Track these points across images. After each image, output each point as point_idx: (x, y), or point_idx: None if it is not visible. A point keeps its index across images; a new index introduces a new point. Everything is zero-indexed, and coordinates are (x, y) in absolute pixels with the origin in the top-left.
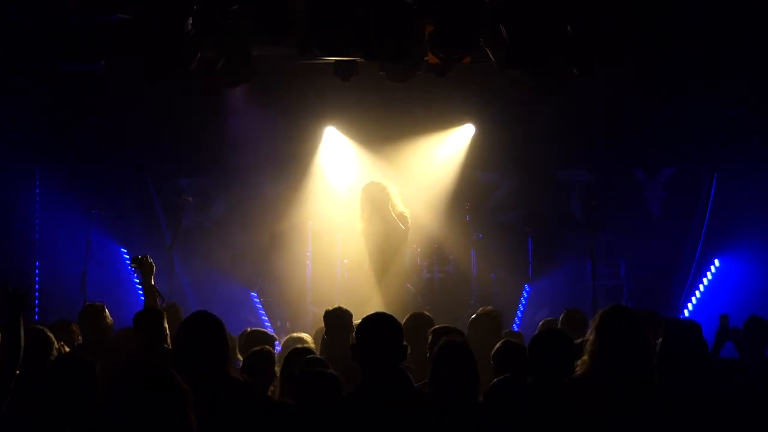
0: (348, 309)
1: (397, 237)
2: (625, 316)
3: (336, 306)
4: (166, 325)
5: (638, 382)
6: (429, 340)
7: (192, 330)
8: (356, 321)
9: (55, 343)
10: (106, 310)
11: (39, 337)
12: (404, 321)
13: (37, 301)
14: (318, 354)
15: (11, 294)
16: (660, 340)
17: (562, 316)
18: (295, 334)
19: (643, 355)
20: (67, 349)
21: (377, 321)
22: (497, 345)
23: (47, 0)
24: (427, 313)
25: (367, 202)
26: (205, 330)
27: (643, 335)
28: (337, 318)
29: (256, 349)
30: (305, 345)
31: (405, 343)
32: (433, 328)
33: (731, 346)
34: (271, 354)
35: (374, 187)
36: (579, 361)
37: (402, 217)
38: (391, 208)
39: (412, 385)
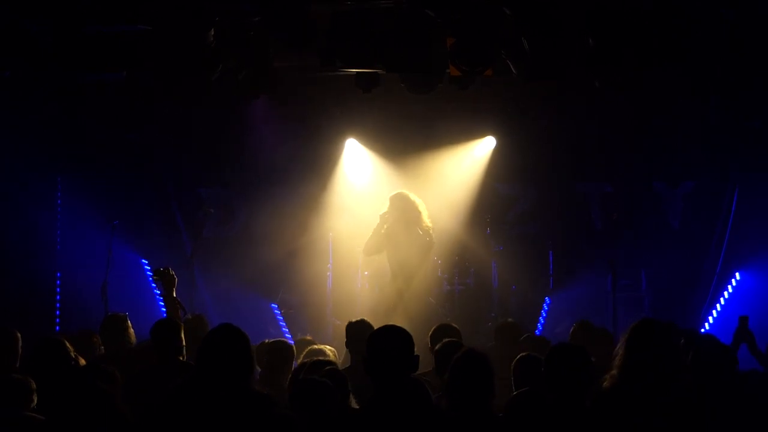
0: (370, 322)
1: (422, 249)
2: (656, 330)
3: (359, 318)
4: (183, 337)
5: (666, 395)
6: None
7: (216, 343)
8: None
9: (72, 353)
10: (128, 321)
11: (56, 347)
12: (431, 332)
13: (57, 312)
14: (339, 367)
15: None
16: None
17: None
18: (316, 346)
19: (674, 369)
20: (83, 361)
21: (386, 332)
22: (517, 357)
23: (69, 11)
24: (454, 325)
25: (393, 210)
26: (230, 343)
27: (675, 349)
28: (359, 330)
29: (307, 360)
30: (322, 358)
31: (417, 353)
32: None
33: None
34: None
35: (401, 197)
36: (606, 376)
37: (427, 235)
38: (417, 221)
39: (427, 398)
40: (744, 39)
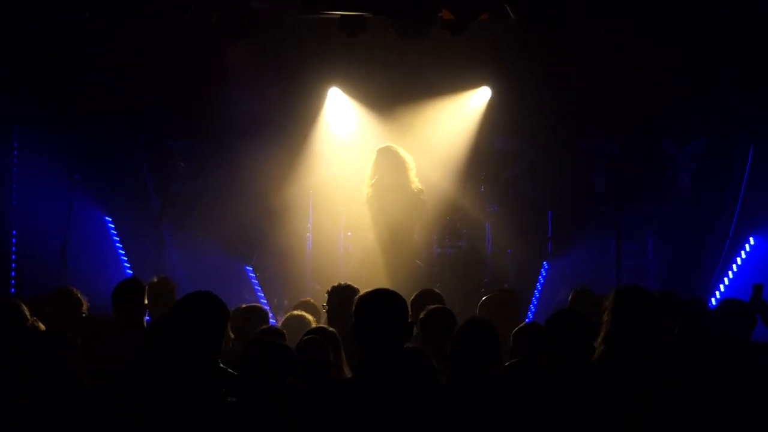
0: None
1: (411, 209)
2: (642, 298)
3: (344, 283)
4: (146, 301)
5: (654, 367)
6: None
7: (190, 313)
8: None
9: (29, 317)
10: (77, 294)
11: (10, 311)
12: (411, 299)
13: (13, 273)
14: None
15: None
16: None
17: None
18: (296, 312)
19: (657, 339)
20: (42, 326)
21: (376, 296)
22: (519, 325)
23: None
24: (437, 291)
25: (379, 167)
26: (206, 316)
27: (659, 319)
28: (345, 296)
29: (265, 326)
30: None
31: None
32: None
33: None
34: (278, 331)
35: (390, 152)
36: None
37: (418, 194)
38: (406, 178)
39: (425, 369)
40: None
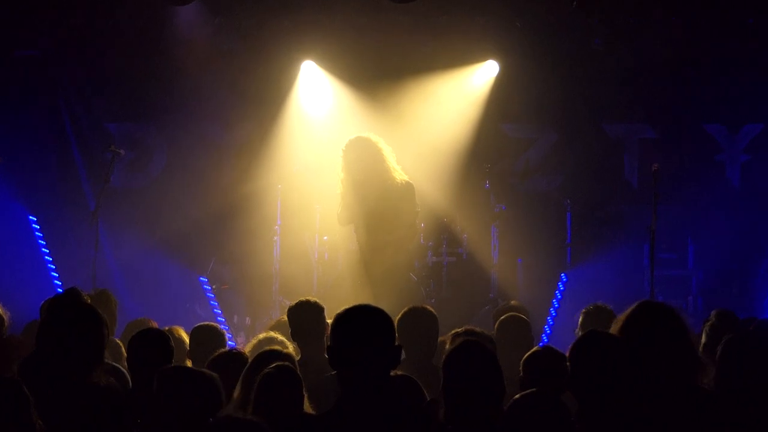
0: (322, 303)
1: (396, 207)
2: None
3: (305, 298)
4: None
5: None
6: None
7: (59, 323)
8: None
9: None
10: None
11: None
12: (398, 318)
13: None
14: None
15: None
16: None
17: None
18: (264, 334)
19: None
20: None
21: (358, 314)
22: (531, 351)
23: None
24: (430, 308)
25: (352, 164)
26: (77, 325)
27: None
28: (304, 314)
29: (223, 351)
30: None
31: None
32: (454, 331)
33: None
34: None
35: (362, 143)
36: None
37: (403, 187)
38: (386, 171)
39: (416, 402)
40: None
